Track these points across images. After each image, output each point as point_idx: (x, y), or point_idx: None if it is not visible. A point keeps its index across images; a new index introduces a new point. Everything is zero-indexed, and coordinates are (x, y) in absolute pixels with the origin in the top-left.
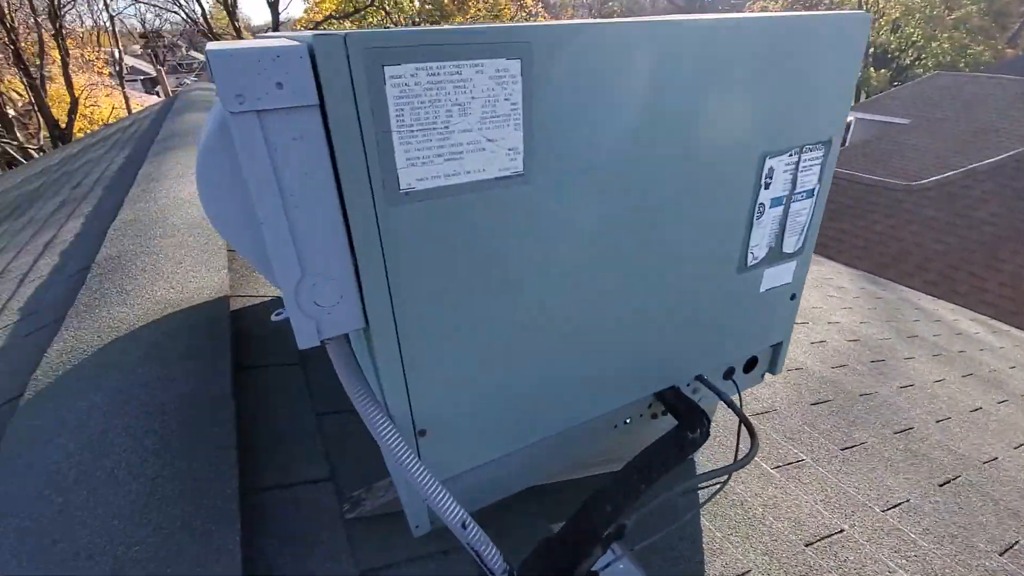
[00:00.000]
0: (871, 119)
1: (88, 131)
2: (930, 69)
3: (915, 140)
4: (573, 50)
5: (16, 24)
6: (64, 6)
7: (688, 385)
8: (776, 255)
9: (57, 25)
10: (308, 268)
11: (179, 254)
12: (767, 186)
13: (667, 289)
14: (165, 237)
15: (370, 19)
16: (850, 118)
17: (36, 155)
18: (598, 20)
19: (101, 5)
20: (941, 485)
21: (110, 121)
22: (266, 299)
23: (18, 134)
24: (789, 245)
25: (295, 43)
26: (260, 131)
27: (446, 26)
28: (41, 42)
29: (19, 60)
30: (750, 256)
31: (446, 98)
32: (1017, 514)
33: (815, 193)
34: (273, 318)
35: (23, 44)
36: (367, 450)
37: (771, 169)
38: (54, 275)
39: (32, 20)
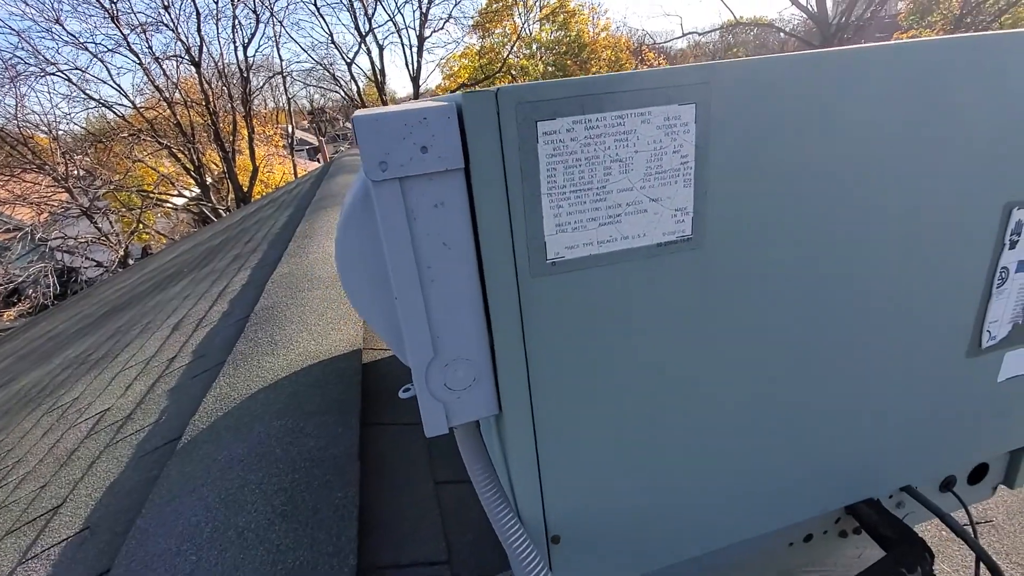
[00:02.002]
0: None
1: (263, 194)
2: None
3: None
4: (761, 88)
5: (216, 109)
6: (253, 93)
7: (891, 497)
8: (1022, 334)
9: (247, 108)
10: (441, 348)
11: (322, 306)
12: (1013, 245)
13: (871, 378)
14: (312, 290)
15: (498, 84)
16: None
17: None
18: (782, 54)
19: (281, 90)
20: None
21: (280, 185)
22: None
23: (212, 197)
24: None
25: (442, 103)
26: (401, 199)
27: (608, 73)
28: (235, 122)
29: (217, 138)
30: (986, 336)
31: (605, 153)
32: None
33: None
34: (401, 395)
35: (221, 125)
36: (485, 528)
37: (1019, 223)
38: (223, 320)
39: (229, 105)
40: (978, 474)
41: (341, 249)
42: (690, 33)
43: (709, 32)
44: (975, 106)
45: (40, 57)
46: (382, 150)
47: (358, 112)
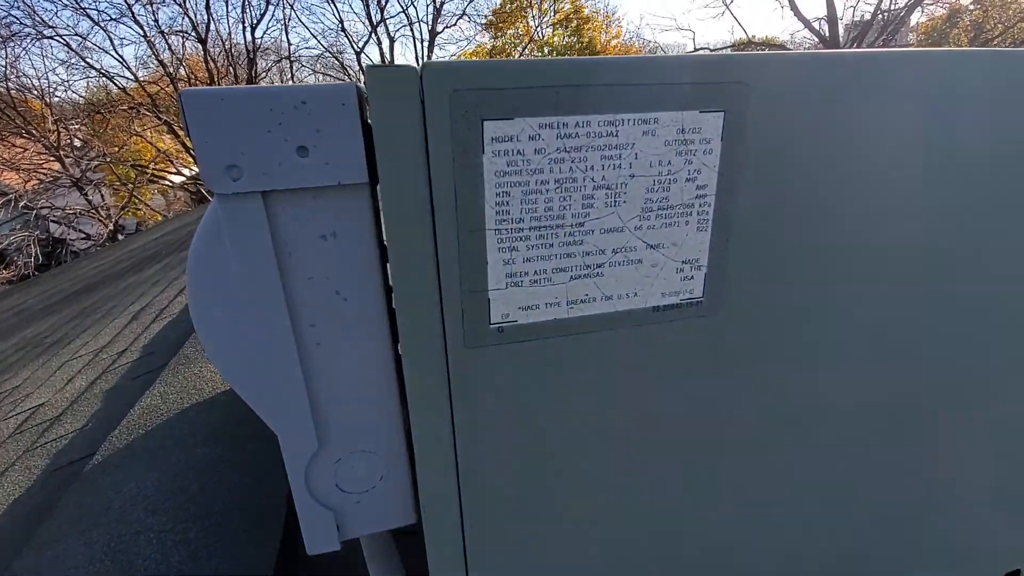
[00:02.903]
0: None
1: None
2: None
3: None
4: (823, 93)
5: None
6: (259, 75)
7: None
8: None
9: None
10: (330, 438)
11: None
12: None
13: (936, 492)
14: None
15: None
16: None
17: None
18: (851, 50)
19: (288, 75)
20: None
21: None
22: None
23: None
24: None
25: (333, 83)
26: (266, 224)
27: (595, 57)
28: None
29: None
30: None
31: (586, 176)
32: None
33: None
34: None
35: None
36: None
37: None
38: (183, 313)
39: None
40: None
41: (191, 291)
42: (702, 49)
43: (721, 49)
44: None
45: (37, 19)
46: (232, 147)
47: (189, 90)
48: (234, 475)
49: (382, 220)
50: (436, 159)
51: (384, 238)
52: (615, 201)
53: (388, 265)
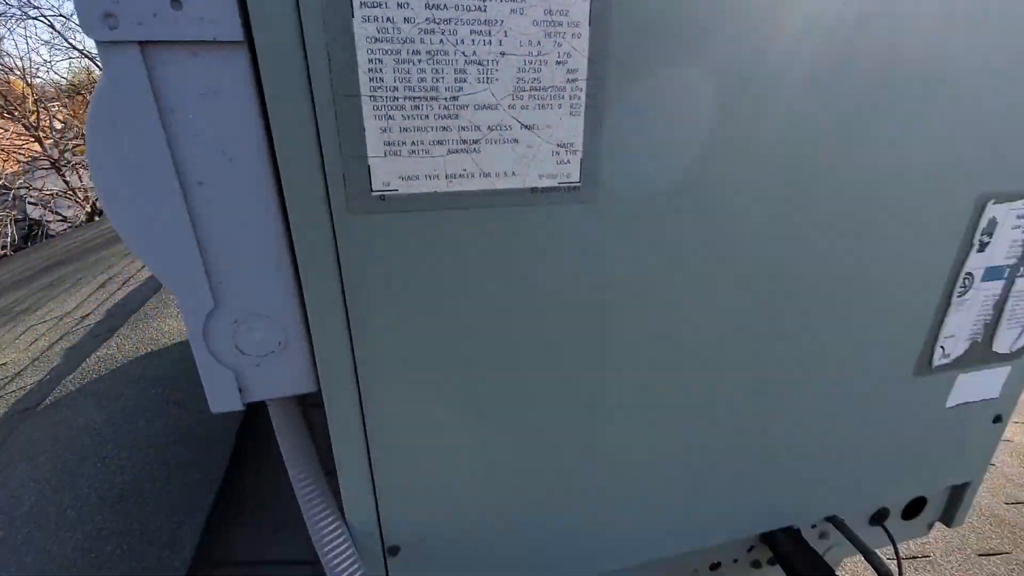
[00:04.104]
0: None
1: None
2: None
3: None
4: None
5: None
6: None
7: (813, 527)
8: (980, 355)
9: None
10: (225, 298)
11: None
12: (982, 247)
13: (795, 391)
14: None
15: None
16: None
17: None
18: None
19: None
20: None
21: None
22: None
23: None
24: (1004, 342)
25: None
26: (146, 78)
27: None
28: None
29: None
30: (939, 352)
31: (456, 49)
32: None
33: None
34: None
35: None
36: None
37: (992, 221)
38: (149, 281)
39: None
40: (914, 509)
41: (92, 164)
42: None
43: None
44: (962, 67)
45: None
46: None
47: None
48: (180, 412)
49: (262, 82)
50: (308, 20)
51: (265, 99)
52: (487, 77)
53: (270, 126)
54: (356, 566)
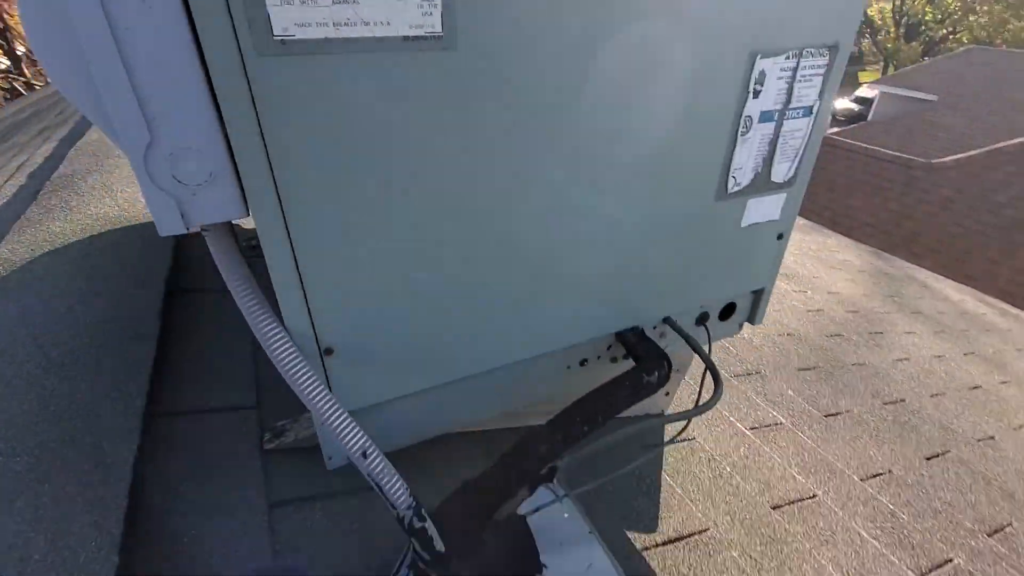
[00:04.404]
0: (897, 93)
1: None
2: (964, 43)
3: (942, 118)
4: None
5: None
6: None
7: (655, 328)
8: (763, 184)
9: None
10: (159, 133)
11: (131, 174)
12: (756, 95)
13: (638, 212)
14: (123, 158)
15: None
16: (874, 92)
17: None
18: None
19: None
20: (928, 459)
21: None
22: None
23: (26, 70)
24: (779, 173)
25: None
26: None
27: None
28: None
29: None
30: (731, 181)
31: None
32: (1012, 496)
33: (814, 112)
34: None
35: None
36: None
37: (762, 73)
38: (17, 194)
39: None
40: (727, 312)
41: (24, 16)
42: None
43: None
44: None
45: None
46: None
47: None
48: (98, 301)
49: None
50: None
51: None
52: None
53: None
54: (298, 359)
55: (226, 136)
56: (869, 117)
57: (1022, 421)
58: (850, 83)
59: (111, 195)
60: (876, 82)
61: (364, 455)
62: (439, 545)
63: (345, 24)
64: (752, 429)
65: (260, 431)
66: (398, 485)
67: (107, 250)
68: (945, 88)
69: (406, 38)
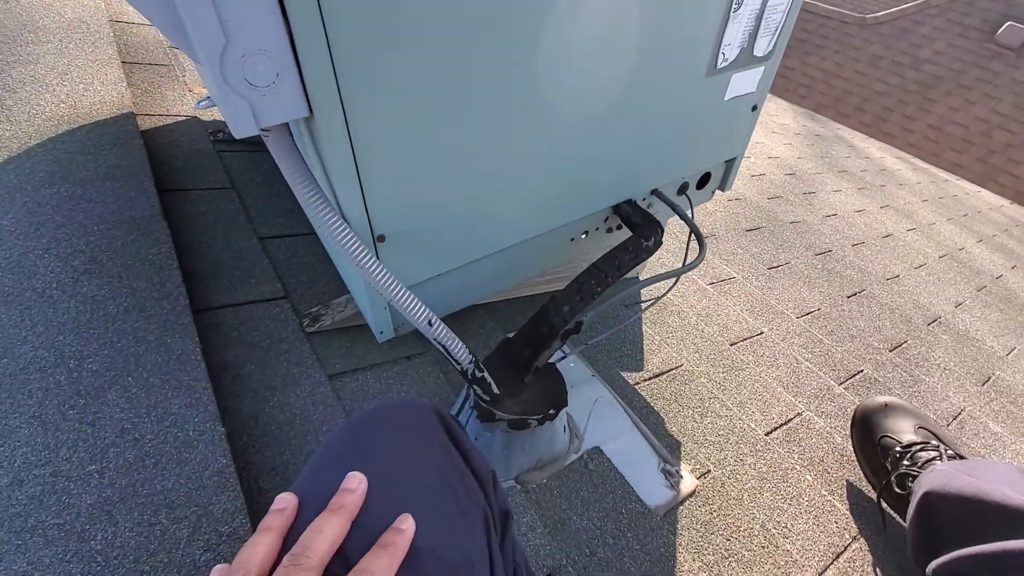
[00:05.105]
0: None
1: None
2: None
3: None
4: None
5: None
6: None
7: (644, 200)
8: (746, 58)
9: None
10: (233, 35)
11: (62, 64)
12: None
13: (639, 90)
14: (38, 44)
15: None
16: None
17: None
18: None
19: None
20: (849, 296)
21: None
22: (179, 118)
23: None
24: (760, 47)
25: None
26: None
27: None
28: None
29: None
30: (720, 57)
31: None
32: (909, 320)
33: None
34: (195, 106)
35: None
36: (319, 271)
37: None
38: None
39: None
40: (704, 181)
41: None
42: None
43: None
44: None
45: None
46: None
47: None
48: (94, 207)
49: None
50: None
51: None
52: None
53: None
54: (363, 247)
55: (291, 38)
56: None
57: (921, 261)
58: None
59: (48, 90)
60: None
61: (429, 324)
62: (495, 388)
63: None
64: (711, 284)
65: (296, 317)
66: (459, 345)
67: (78, 154)
68: None
69: None
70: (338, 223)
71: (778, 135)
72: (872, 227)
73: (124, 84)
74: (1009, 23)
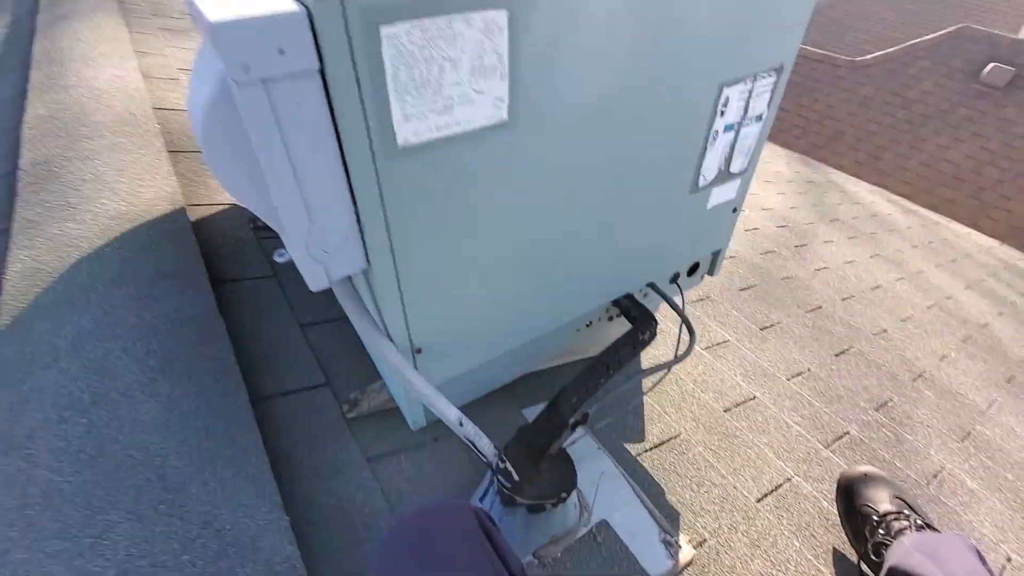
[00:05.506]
0: None
1: None
2: None
3: (868, 9)
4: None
5: None
6: None
7: (640, 291)
8: (724, 176)
9: None
10: (315, 218)
11: (116, 159)
12: (722, 114)
13: (632, 213)
14: (93, 139)
15: None
16: None
17: None
18: None
19: None
20: (836, 355)
21: None
22: (223, 206)
23: None
24: (736, 166)
25: (293, 7)
26: (266, 99)
27: None
28: None
29: None
30: (701, 179)
31: (438, 54)
32: (895, 377)
33: (763, 118)
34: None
35: None
36: (354, 357)
37: (727, 98)
38: None
39: None
40: (693, 269)
41: (207, 141)
42: None
43: None
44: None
45: None
46: (244, 54)
47: (211, 15)
48: (160, 305)
49: (329, 90)
50: (357, 53)
51: (331, 100)
52: (455, 67)
53: (335, 115)
54: (410, 365)
55: (356, 211)
56: None
57: (908, 313)
58: None
59: (108, 188)
60: None
61: (460, 423)
62: (515, 476)
63: (444, 127)
64: (707, 348)
65: (336, 402)
66: (486, 441)
67: (140, 252)
68: None
69: (484, 128)
70: (387, 344)
71: (772, 184)
72: (862, 279)
73: (174, 177)
74: (993, 64)
